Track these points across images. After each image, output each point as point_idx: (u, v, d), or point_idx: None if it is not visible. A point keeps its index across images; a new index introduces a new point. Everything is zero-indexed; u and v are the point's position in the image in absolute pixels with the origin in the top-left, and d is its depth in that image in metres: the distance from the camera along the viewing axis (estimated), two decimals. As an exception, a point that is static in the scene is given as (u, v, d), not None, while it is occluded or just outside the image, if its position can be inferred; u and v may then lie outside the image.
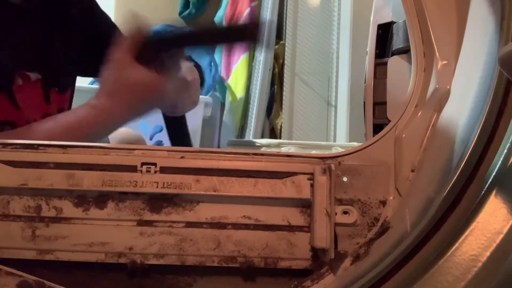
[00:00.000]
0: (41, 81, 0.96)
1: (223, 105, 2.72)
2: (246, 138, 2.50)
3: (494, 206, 0.47)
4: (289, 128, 2.47)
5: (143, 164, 0.59)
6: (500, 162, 0.48)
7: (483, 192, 0.49)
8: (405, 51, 0.80)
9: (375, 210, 0.61)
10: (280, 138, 2.48)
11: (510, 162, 0.48)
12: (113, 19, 1.15)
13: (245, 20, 2.50)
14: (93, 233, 0.58)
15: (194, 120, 2.31)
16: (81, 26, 1.06)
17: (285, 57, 2.52)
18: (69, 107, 1.06)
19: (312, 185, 0.59)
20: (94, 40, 1.06)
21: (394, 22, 0.85)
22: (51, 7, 1.00)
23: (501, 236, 0.45)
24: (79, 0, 1.08)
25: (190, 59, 0.95)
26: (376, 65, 0.87)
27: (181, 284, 0.60)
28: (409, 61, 0.75)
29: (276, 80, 2.61)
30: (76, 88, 1.10)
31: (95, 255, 0.58)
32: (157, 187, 0.58)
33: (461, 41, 0.63)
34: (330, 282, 0.58)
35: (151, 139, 2.19)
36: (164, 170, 0.59)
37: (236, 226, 0.60)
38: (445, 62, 0.64)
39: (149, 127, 2.20)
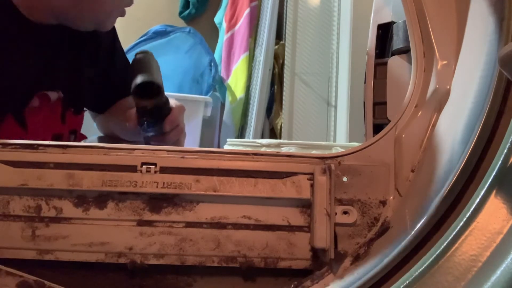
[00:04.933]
0: (61, 100, 0.99)
1: (223, 105, 2.72)
2: (246, 138, 2.50)
3: (494, 206, 0.47)
4: (289, 128, 2.47)
5: (143, 164, 0.59)
6: (500, 162, 0.48)
7: (483, 192, 0.48)
8: (405, 51, 0.80)
9: (375, 210, 0.61)
10: (280, 138, 2.47)
11: (510, 162, 0.47)
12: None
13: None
14: (93, 233, 0.58)
15: (194, 120, 2.31)
16: (104, 52, 1.10)
17: (285, 57, 2.52)
18: (80, 129, 1.10)
19: (312, 185, 0.59)
20: (110, 70, 1.12)
21: (394, 22, 0.85)
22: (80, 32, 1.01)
23: (501, 236, 0.45)
24: (106, 33, 1.10)
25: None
26: (376, 65, 0.87)
27: (181, 284, 0.60)
28: (409, 61, 0.75)
29: (276, 80, 2.61)
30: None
31: (95, 255, 0.58)
32: (157, 187, 0.58)
33: (461, 41, 0.63)
34: (330, 282, 0.58)
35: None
36: (164, 170, 0.59)
37: (236, 226, 0.60)
38: (445, 62, 0.64)
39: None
